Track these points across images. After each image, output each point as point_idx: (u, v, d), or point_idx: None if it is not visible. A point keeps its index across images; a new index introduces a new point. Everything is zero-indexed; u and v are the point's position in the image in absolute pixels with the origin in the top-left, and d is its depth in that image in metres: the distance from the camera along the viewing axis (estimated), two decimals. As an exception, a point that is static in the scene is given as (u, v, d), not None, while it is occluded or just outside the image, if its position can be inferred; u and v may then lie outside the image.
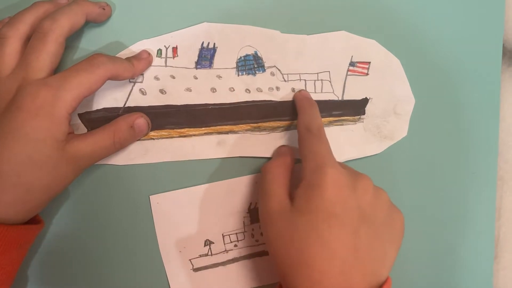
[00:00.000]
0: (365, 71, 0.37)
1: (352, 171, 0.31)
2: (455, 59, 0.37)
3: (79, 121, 0.34)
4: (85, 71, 0.30)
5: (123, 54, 0.34)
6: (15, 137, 0.28)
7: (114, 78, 0.31)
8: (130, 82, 0.34)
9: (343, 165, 0.32)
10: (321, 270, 0.27)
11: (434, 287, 0.37)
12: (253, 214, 0.36)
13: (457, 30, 0.37)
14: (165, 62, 0.35)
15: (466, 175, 0.37)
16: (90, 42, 0.34)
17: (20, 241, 0.29)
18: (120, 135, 0.32)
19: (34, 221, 0.32)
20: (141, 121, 0.33)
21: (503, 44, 0.38)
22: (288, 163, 0.33)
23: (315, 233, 0.27)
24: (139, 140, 0.35)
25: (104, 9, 0.33)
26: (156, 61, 0.35)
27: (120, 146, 0.33)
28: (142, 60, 0.34)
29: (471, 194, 0.37)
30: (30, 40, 0.30)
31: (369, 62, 0.37)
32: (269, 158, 0.36)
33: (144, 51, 0.34)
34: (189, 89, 0.35)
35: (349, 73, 0.37)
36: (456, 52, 0.37)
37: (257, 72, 0.36)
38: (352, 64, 0.36)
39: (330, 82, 0.36)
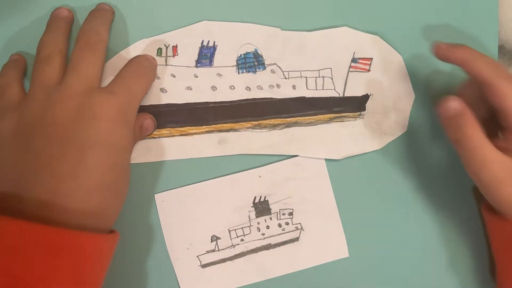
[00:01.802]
0: (367, 67, 0.36)
1: None
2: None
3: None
4: (142, 77, 0.32)
5: (123, 53, 0.34)
6: (103, 147, 0.28)
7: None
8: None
9: None
10: None
11: (434, 285, 0.38)
12: (258, 208, 0.37)
13: (457, 26, 0.36)
14: (165, 61, 0.35)
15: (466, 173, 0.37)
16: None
17: (111, 250, 0.30)
18: (134, 136, 0.33)
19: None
20: (149, 122, 0.34)
21: (503, 45, 0.37)
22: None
23: None
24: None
25: (113, 12, 0.34)
26: (157, 60, 0.35)
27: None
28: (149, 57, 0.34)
29: (472, 191, 0.37)
30: (74, 53, 0.31)
31: (371, 58, 0.36)
32: (270, 156, 0.36)
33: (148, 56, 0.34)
34: (189, 88, 0.35)
35: (351, 69, 0.36)
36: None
37: (257, 69, 0.36)
38: (354, 60, 0.36)
39: (331, 79, 0.36)
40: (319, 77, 0.36)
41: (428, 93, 0.37)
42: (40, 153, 0.28)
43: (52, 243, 0.26)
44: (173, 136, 0.35)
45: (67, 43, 0.32)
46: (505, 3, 0.37)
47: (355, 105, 0.36)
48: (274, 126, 0.36)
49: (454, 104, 0.31)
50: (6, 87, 0.31)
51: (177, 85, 0.35)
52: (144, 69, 0.32)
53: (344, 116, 0.37)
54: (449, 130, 0.31)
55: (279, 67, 0.36)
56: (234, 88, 0.36)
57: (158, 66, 0.35)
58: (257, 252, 0.37)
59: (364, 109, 0.37)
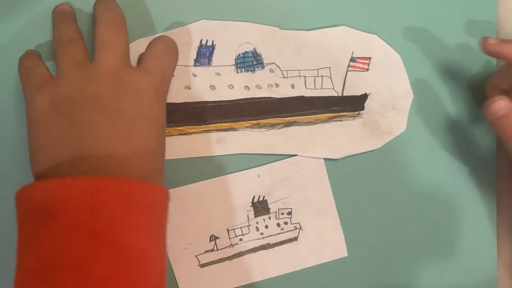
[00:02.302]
0: (366, 66, 0.36)
1: None
2: (454, 56, 0.37)
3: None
4: (172, 57, 0.33)
5: (121, 53, 0.34)
6: (150, 119, 0.30)
7: None
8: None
9: None
10: None
11: (434, 284, 0.38)
12: (257, 207, 0.37)
13: (455, 26, 0.37)
14: (164, 60, 0.35)
15: (465, 170, 0.37)
16: (88, 41, 0.34)
17: (168, 203, 0.31)
18: None
19: None
20: None
21: None
22: None
23: None
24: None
25: None
26: (155, 59, 0.35)
27: None
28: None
29: (470, 190, 0.38)
30: (100, 29, 0.30)
31: (370, 58, 0.36)
32: (269, 155, 0.36)
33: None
34: (188, 87, 0.35)
35: (349, 68, 0.36)
36: (455, 49, 0.37)
37: (256, 69, 0.36)
38: (352, 59, 0.36)
39: (330, 78, 0.36)
40: (317, 76, 0.36)
41: (427, 92, 0.37)
42: (88, 123, 0.29)
43: (128, 194, 0.27)
44: (171, 135, 0.35)
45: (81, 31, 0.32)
46: (504, 2, 0.37)
47: (354, 104, 0.36)
48: (273, 126, 0.36)
49: (503, 104, 0.31)
50: (34, 67, 0.31)
51: (176, 84, 0.35)
52: (172, 48, 0.33)
53: (343, 116, 0.37)
54: (500, 129, 0.32)
55: (278, 66, 0.36)
56: (233, 87, 0.36)
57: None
58: (256, 251, 0.37)
59: (363, 109, 0.37)
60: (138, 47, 0.34)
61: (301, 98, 0.36)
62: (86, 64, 0.30)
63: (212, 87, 0.35)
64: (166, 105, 0.32)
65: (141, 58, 0.33)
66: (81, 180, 0.26)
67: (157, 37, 0.33)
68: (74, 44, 0.31)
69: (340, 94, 0.36)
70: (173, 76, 0.35)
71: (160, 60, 0.32)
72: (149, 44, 0.33)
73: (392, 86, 0.36)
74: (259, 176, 0.36)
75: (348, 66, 0.36)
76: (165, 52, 0.32)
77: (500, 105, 0.31)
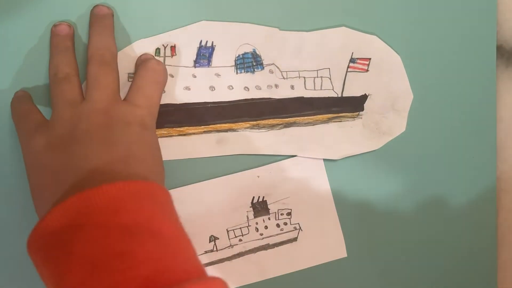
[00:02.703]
0: (365, 67, 0.36)
1: None
2: (453, 56, 0.37)
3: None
4: (160, 84, 0.33)
5: (121, 54, 0.34)
6: (143, 148, 0.30)
7: None
8: (129, 81, 0.34)
9: None
10: None
11: (433, 284, 0.38)
12: (256, 208, 0.37)
13: (455, 26, 0.37)
14: (164, 61, 0.35)
15: (465, 170, 0.37)
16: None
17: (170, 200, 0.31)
18: None
19: None
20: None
21: (502, 45, 0.37)
22: None
23: None
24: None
25: (113, 14, 0.34)
26: (154, 60, 0.35)
27: None
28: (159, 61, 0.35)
29: (470, 190, 0.38)
30: (92, 68, 0.31)
31: (370, 59, 0.36)
32: (268, 156, 0.36)
33: (145, 54, 0.34)
34: (187, 88, 0.35)
35: (349, 69, 0.36)
36: (454, 50, 0.37)
37: (255, 70, 0.36)
38: (352, 60, 0.36)
39: (330, 79, 0.36)
40: (317, 77, 0.36)
41: (426, 93, 0.37)
42: (84, 156, 0.29)
43: (140, 191, 0.28)
44: (171, 136, 0.35)
45: (77, 63, 0.33)
46: (504, 3, 0.37)
47: (353, 105, 0.37)
48: (272, 126, 0.36)
49: None
50: (28, 112, 0.32)
51: (175, 85, 0.35)
52: (158, 74, 0.33)
53: (342, 116, 0.37)
54: None
55: (278, 67, 0.36)
56: (233, 88, 0.36)
57: (156, 66, 0.35)
58: (256, 252, 0.37)
59: (363, 109, 0.37)
60: (138, 48, 0.35)
61: (300, 99, 0.36)
62: (79, 103, 0.31)
63: (212, 88, 0.35)
64: (156, 134, 0.33)
65: (130, 87, 0.33)
66: (96, 190, 0.26)
67: (144, 63, 0.33)
68: (69, 81, 0.32)
69: (339, 95, 0.36)
70: (173, 76, 0.35)
71: (146, 91, 0.32)
72: (136, 71, 0.34)
73: (391, 86, 0.36)
74: (258, 176, 0.36)
75: (348, 67, 0.36)
76: (151, 82, 0.32)
77: None
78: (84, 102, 0.31)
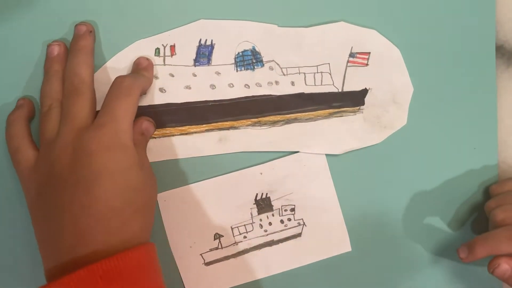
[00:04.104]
0: (365, 61, 0.36)
1: None
2: (453, 50, 0.37)
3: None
4: (124, 98, 0.31)
5: (121, 55, 0.34)
6: (104, 175, 0.30)
7: (141, 93, 0.34)
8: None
9: None
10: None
11: (436, 281, 0.38)
12: (260, 204, 0.37)
13: (454, 19, 0.37)
14: (164, 60, 0.35)
15: (467, 163, 0.37)
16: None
17: (147, 262, 0.31)
18: (140, 144, 0.34)
19: None
20: (146, 124, 0.34)
21: (503, 45, 0.37)
22: None
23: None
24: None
25: (91, 31, 0.34)
26: (155, 60, 0.35)
27: (145, 150, 0.35)
28: (148, 67, 0.34)
29: (472, 183, 0.38)
30: (64, 100, 0.32)
31: (369, 53, 0.36)
32: (271, 153, 0.36)
33: (142, 58, 0.34)
34: (188, 87, 0.35)
35: (349, 64, 0.36)
36: (454, 44, 0.37)
37: (255, 67, 0.36)
38: (352, 55, 0.36)
39: (330, 74, 0.36)
40: (317, 72, 0.36)
41: (426, 85, 0.37)
42: (54, 207, 0.30)
43: (101, 275, 0.27)
44: (173, 135, 0.36)
45: (62, 91, 0.33)
46: (505, 3, 0.37)
47: (354, 99, 0.37)
48: (274, 123, 0.36)
49: (505, 268, 0.32)
50: (17, 152, 0.33)
51: (176, 85, 0.35)
52: (124, 89, 0.32)
53: (343, 111, 0.37)
54: (510, 283, 0.33)
55: (277, 64, 0.36)
56: (233, 86, 0.36)
57: (156, 66, 0.35)
58: (260, 248, 0.37)
59: (363, 104, 0.37)
60: (138, 48, 0.35)
61: (301, 95, 0.36)
62: (54, 139, 0.32)
63: (212, 86, 0.36)
64: (129, 147, 0.31)
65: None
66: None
67: (115, 78, 0.33)
68: (49, 116, 0.32)
69: (340, 90, 0.36)
70: (173, 76, 0.35)
71: (111, 106, 0.31)
72: None
73: (392, 80, 0.36)
74: (261, 173, 0.36)
75: (348, 61, 0.36)
76: (113, 97, 0.32)
77: (503, 269, 0.32)
78: (57, 137, 0.31)
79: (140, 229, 0.31)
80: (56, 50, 0.34)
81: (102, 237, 0.29)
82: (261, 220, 0.37)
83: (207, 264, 0.36)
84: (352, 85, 0.36)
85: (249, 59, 0.36)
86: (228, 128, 0.36)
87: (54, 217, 0.30)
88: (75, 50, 0.33)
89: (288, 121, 0.36)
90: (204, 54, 0.35)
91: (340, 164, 0.37)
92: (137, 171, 0.31)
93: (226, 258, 0.37)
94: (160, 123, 0.35)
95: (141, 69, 0.34)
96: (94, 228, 0.29)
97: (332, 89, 0.36)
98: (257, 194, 0.37)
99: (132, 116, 0.32)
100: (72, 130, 0.31)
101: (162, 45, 0.35)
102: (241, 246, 0.37)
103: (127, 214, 0.30)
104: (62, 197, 0.30)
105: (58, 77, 0.34)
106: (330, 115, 0.37)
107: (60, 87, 0.33)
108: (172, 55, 0.35)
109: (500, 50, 0.37)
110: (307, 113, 0.36)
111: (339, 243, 0.37)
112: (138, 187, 0.31)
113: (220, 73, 0.35)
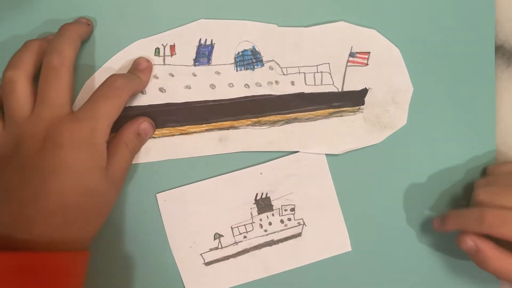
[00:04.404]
0: (365, 61, 0.36)
1: None
2: (453, 49, 0.37)
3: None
4: (111, 98, 0.31)
5: (121, 54, 0.34)
6: (64, 173, 0.29)
7: (132, 96, 0.33)
8: (129, 82, 0.35)
9: None
10: None
11: (437, 279, 0.38)
12: (260, 204, 0.37)
13: (454, 18, 0.37)
14: (163, 60, 0.35)
15: (466, 163, 0.37)
16: (88, 43, 0.34)
17: (69, 269, 0.30)
18: (132, 145, 0.33)
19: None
20: (145, 125, 0.34)
21: (503, 45, 0.37)
22: None
23: None
24: (141, 139, 0.35)
25: (89, 25, 0.34)
26: (154, 60, 0.35)
27: (135, 154, 0.34)
28: (146, 70, 0.34)
29: (472, 182, 0.37)
30: (41, 78, 0.31)
31: (369, 52, 0.36)
32: (270, 152, 0.36)
33: (143, 59, 0.34)
34: (188, 87, 0.35)
35: (349, 64, 0.36)
36: (454, 43, 0.37)
37: (255, 66, 0.36)
38: (352, 54, 0.36)
39: (330, 74, 0.36)
40: (317, 72, 0.36)
41: (426, 85, 0.37)
42: (7, 183, 0.30)
43: (18, 266, 0.27)
44: (173, 135, 0.35)
45: (34, 64, 0.32)
46: (505, 3, 0.37)
47: (354, 99, 0.37)
48: (273, 123, 0.36)
49: (470, 244, 0.32)
50: None
51: (176, 84, 0.35)
52: (113, 90, 0.31)
53: (343, 111, 0.37)
54: (475, 261, 0.33)
55: (277, 64, 0.36)
56: (233, 85, 0.36)
57: (156, 65, 0.35)
58: (260, 248, 0.37)
59: (363, 103, 0.37)
60: (137, 48, 0.35)
61: (301, 95, 0.36)
62: (25, 120, 0.30)
63: (212, 86, 0.36)
64: (100, 151, 0.30)
65: None
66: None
67: (108, 77, 0.32)
68: (15, 91, 0.31)
69: (340, 90, 0.36)
70: (173, 76, 0.35)
71: (95, 103, 0.31)
72: None
73: (392, 80, 0.36)
74: (261, 173, 0.36)
75: (348, 61, 0.36)
76: (100, 95, 0.31)
77: (468, 245, 0.32)
78: (29, 117, 0.30)
79: (81, 233, 0.31)
80: (38, 42, 0.32)
81: (41, 229, 0.29)
82: (261, 220, 0.37)
83: (207, 264, 0.36)
84: (352, 85, 0.36)
85: (249, 59, 0.36)
86: (228, 128, 0.36)
87: (4, 192, 0.30)
88: (66, 29, 0.32)
89: (288, 121, 0.36)
90: (204, 53, 0.35)
91: (340, 164, 0.37)
92: (100, 175, 0.30)
93: (226, 258, 0.37)
94: (160, 123, 0.35)
95: (138, 71, 0.34)
96: (36, 220, 0.29)
97: (332, 89, 0.36)
98: (257, 194, 0.37)
99: (113, 118, 0.31)
100: (49, 117, 0.30)
101: (162, 44, 0.35)
102: (241, 246, 0.37)
103: (73, 215, 0.30)
104: (18, 178, 0.29)
105: (34, 50, 0.32)
106: (330, 115, 0.37)
107: (32, 60, 0.31)
108: (172, 55, 0.35)
109: (500, 50, 0.37)
110: (307, 113, 0.36)
111: (339, 243, 0.37)
112: (95, 192, 0.30)
113: (220, 73, 0.35)
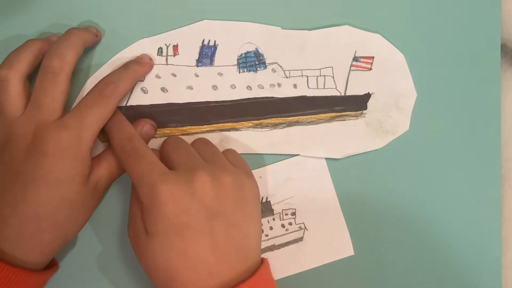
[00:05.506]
0: (369, 66, 0.36)
1: (185, 168, 0.30)
2: (457, 55, 0.37)
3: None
4: (99, 106, 0.30)
5: (124, 53, 0.34)
6: (46, 181, 0.29)
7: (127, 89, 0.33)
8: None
9: (177, 162, 0.31)
10: (189, 279, 0.28)
11: (438, 282, 0.37)
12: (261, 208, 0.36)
13: (459, 24, 0.37)
14: (166, 60, 0.35)
15: (469, 168, 0.37)
16: (90, 41, 0.34)
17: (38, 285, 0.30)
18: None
19: (50, 262, 0.32)
20: (148, 128, 0.33)
21: (506, 44, 0.37)
22: None
23: (172, 251, 0.28)
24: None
25: (97, 36, 0.33)
26: (157, 59, 0.35)
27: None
28: (145, 65, 0.34)
29: (474, 187, 0.37)
30: (38, 79, 0.30)
31: (373, 57, 0.36)
32: (270, 155, 0.36)
33: (146, 56, 0.34)
34: (190, 87, 0.35)
35: (352, 68, 0.36)
36: (458, 48, 0.37)
37: (258, 69, 0.35)
38: (355, 59, 0.36)
39: (333, 77, 0.36)
40: (320, 76, 0.36)
41: (430, 91, 0.37)
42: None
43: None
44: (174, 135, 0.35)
45: (30, 64, 0.31)
46: (508, 1, 0.37)
47: (356, 104, 0.36)
48: (275, 126, 0.36)
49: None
50: None
51: (178, 85, 0.35)
52: (102, 98, 0.30)
53: (345, 115, 0.36)
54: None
55: (280, 66, 0.36)
56: (235, 87, 0.35)
57: (159, 65, 0.35)
58: (262, 253, 0.36)
59: (366, 108, 0.36)
60: (140, 47, 0.34)
61: (303, 98, 0.36)
62: (16, 119, 0.30)
63: (215, 87, 0.35)
64: (85, 159, 0.30)
65: None
66: None
67: (99, 81, 0.32)
68: (8, 90, 0.30)
69: (342, 94, 0.36)
70: (175, 76, 0.35)
71: (82, 111, 0.30)
72: None
73: (395, 85, 0.36)
74: (261, 177, 0.36)
75: (351, 65, 0.36)
76: (91, 101, 0.30)
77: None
78: (20, 118, 0.30)
79: (51, 243, 0.30)
80: (39, 43, 0.32)
81: (12, 235, 0.29)
82: (261, 224, 0.36)
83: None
84: (355, 89, 0.36)
85: (252, 61, 0.35)
86: (229, 130, 0.36)
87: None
88: (72, 34, 0.32)
89: (289, 124, 0.36)
90: (207, 54, 0.35)
91: (341, 168, 0.36)
92: (81, 184, 0.30)
93: (225, 262, 0.36)
94: (161, 123, 0.35)
95: (137, 63, 0.33)
96: (9, 222, 0.29)
97: (334, 93, 0.36)
98: (257, 197, 0.36)
99: (101, 126, 0.31)
100: (39, 120, 0.30)
101: (165, 44, 0.34)
102: (241, 250, 0.36)
103: (47, 224, 0.29)
104: (4, 176, 0.29)
105: (33, 51, 0.31)
106: (332, 119, 0.36)
107: (29, 60, 0.31)
108: (174, 55, 0.35)
109: (503, 49, 0.37)
110: (308, 116, 0.36)
111: (341, 247, 0.36)
112: (74, 201, 0.30)
113: (222, 74, 0.35)
